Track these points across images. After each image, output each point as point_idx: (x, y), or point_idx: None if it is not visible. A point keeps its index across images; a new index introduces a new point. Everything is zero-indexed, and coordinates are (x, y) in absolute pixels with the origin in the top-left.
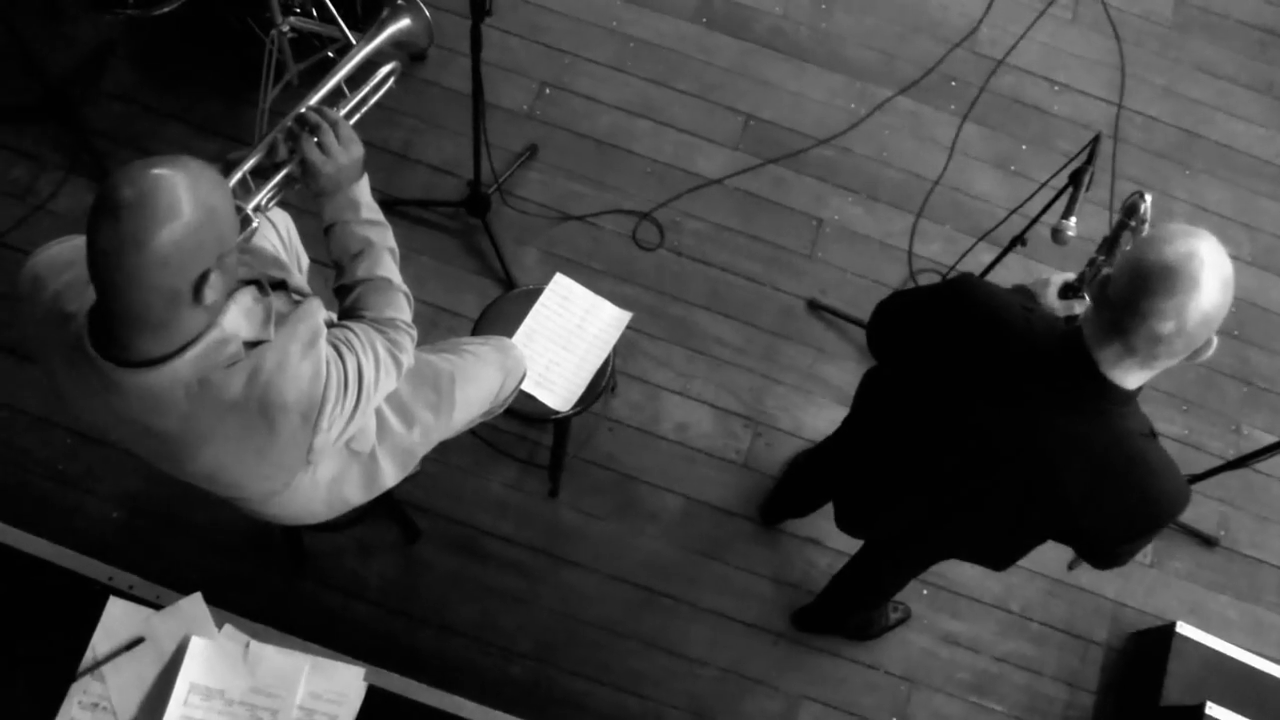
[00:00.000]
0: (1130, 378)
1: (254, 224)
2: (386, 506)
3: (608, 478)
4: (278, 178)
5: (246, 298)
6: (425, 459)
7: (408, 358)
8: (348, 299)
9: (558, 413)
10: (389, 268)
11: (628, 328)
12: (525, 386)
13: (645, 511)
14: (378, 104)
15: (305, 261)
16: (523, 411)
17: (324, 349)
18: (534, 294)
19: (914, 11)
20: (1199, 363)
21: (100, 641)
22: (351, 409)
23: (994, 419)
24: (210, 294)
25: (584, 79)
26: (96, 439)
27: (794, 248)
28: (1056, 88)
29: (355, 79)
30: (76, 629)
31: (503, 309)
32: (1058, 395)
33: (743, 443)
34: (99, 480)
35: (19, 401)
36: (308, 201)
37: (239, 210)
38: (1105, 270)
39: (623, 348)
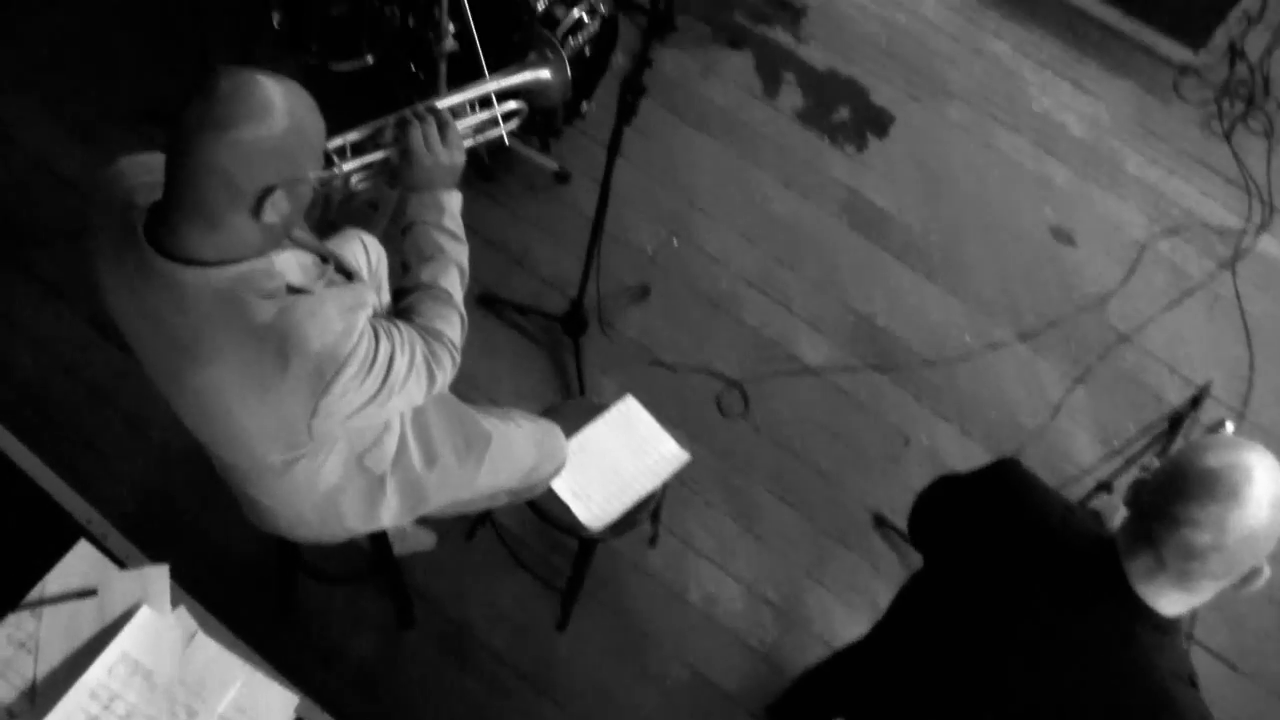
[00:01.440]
0: (1165, 600)
1: (335, 169)
2: (391, 580)
3: (619, 625)
4: (375, 155)
5: (306, 256)
6: (443, 545)
7: (444, 376)
8: (403, 301)
9: (586, 530)
10: (453, 283)
11: (684, 485)
12: (562, 494)
13: (649, 672)
14: (507, 206)
15: (386, 297)
16: (550, 514)
17: (362, 320)
18: (599, 409)
19: (1049, 263)
20: (1247, 593)
21: (53, 580)
22: (370, 393)
23: (1017, 638)
24: (270, 212)
25: (714, 239)
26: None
27: (875, 458)
28: (1178, 379)
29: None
30: (34, 559)
31: (564, 413)
32: (1082, 609)
33: (770, 634)
34: (128, 465)
35: (84, 368)
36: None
37: (326, 153)
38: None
39: (673, 502)
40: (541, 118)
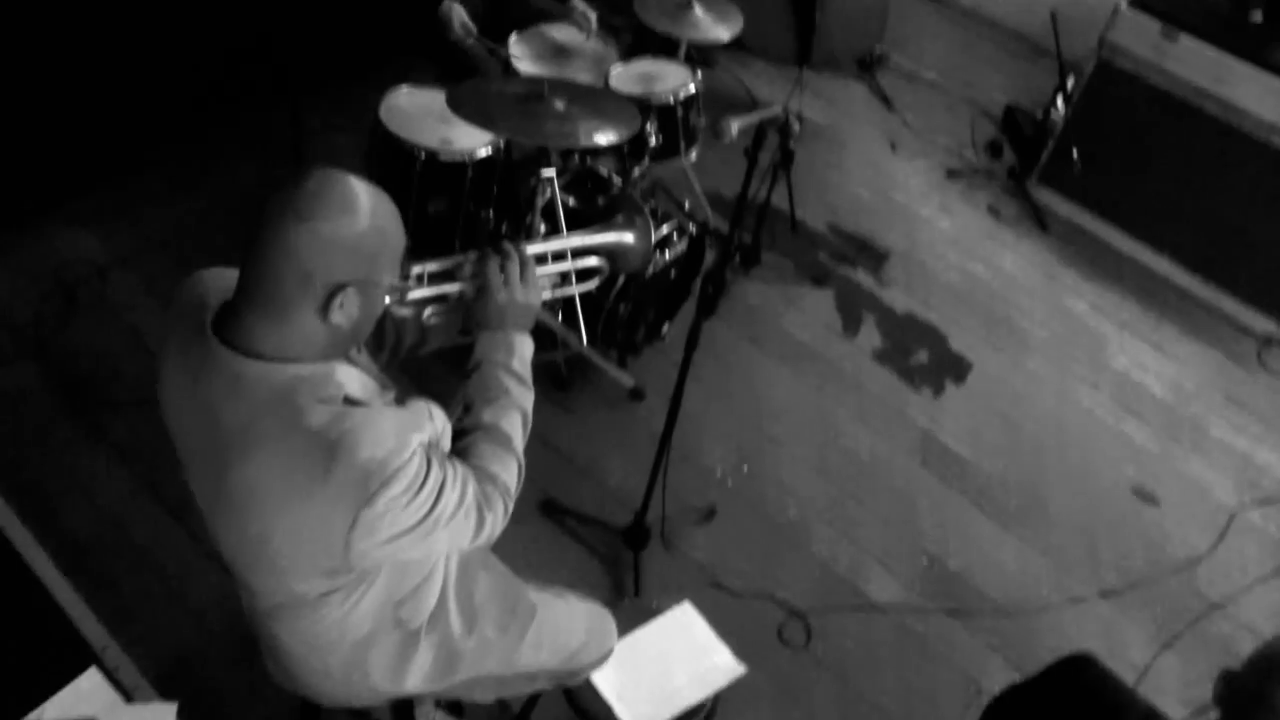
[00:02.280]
0: None
1: (409, 282)
2: None
3: None
4: (452, 285)
5: (370, 377)
6: None
7: (494, 521)
8: (461, 442)
9: None
10: (515, 427)
11: (736, 709)
12: (604, 691)
13: None
14: (578, 416)
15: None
16: (589, 710)
17: (416, 442)
18: (654, 613)
19: (1131, 522)
20: None
21: (55, 705)
22: (414, 519)
23: None
24: (339, 313)
25: (785, 468)
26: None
27: (943, 705)
28: None
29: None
30: (42, 679)
31: (617, 614)
32: None
33: None
34: (158, 623)
35: (133, 526)
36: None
37: (404, 268)
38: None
39: None
40: (622, 334)
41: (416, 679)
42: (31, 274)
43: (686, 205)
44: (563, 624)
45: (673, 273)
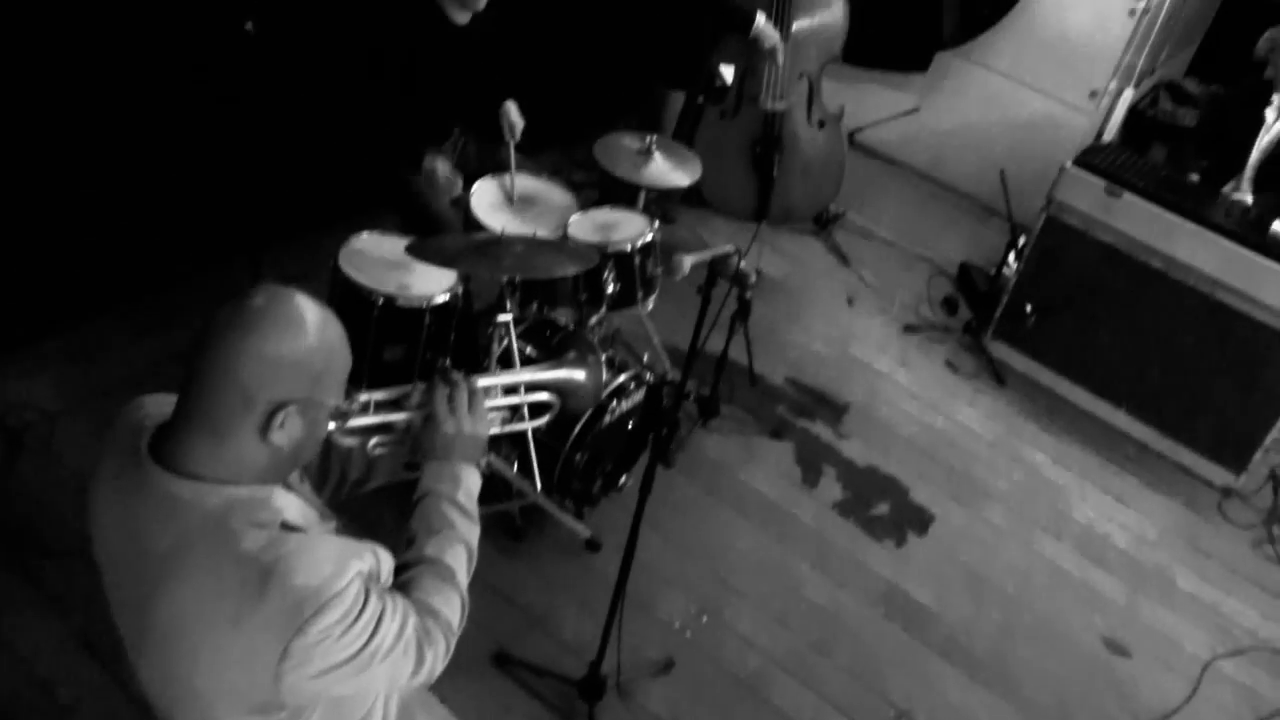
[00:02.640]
0: None
1: (353, 404)
2: None
3: None
4: (398, 415)
5: (310, 506)
6: None
7: (434, 659)
8: (403, 575)
9: None
10: (459, 561)
11: None
12: None
13: None
14: (533, 567)
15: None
16: None
17: (355, 570)
18: None
19: (1102, 674)
20: None
21: None
22: (350, 652)
23: None
24: (279, 433)
25: (745, 619)
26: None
27: None
28: None
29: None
30: None
31: None
32: None
33: None
34: None
35: (59, 685)
36: None
37: (351, 394)
38: None
39: None
40: (579, 485)
41: None
42: None
43: (645, 357)
44: None
45: (630, 423)
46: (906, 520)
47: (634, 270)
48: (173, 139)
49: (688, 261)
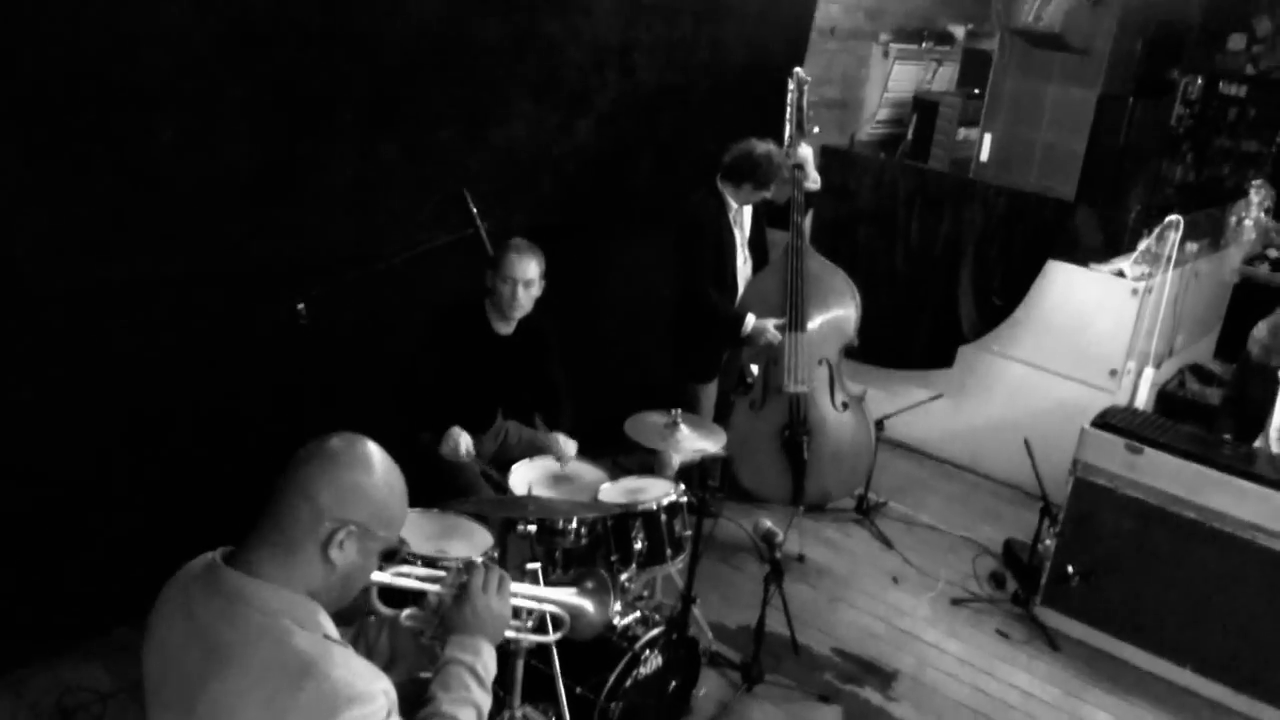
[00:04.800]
0: None
1: (404, 549)
2: None
3: None
4: (430, 585)
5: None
6: None
7: None
8: None
9: None
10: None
11: None
12: None
13: None
14: None
15: None
16: None
17: (383, 686)
18: None
19: None
20: None
21: None
22: None
23: None
24: (338, 552)
25: None
26: None
27: None
28: None
29: None
30: None
31: None
32: None
33: None
34: None
35: None
36: None
37: (400, 546)
38: None
39: None
40: None
41: None
42: (34, 699)
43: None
44: None
45: (671, 683)
46: None
47: (661, 529)
48: (227, 430)
49: (676, 458)
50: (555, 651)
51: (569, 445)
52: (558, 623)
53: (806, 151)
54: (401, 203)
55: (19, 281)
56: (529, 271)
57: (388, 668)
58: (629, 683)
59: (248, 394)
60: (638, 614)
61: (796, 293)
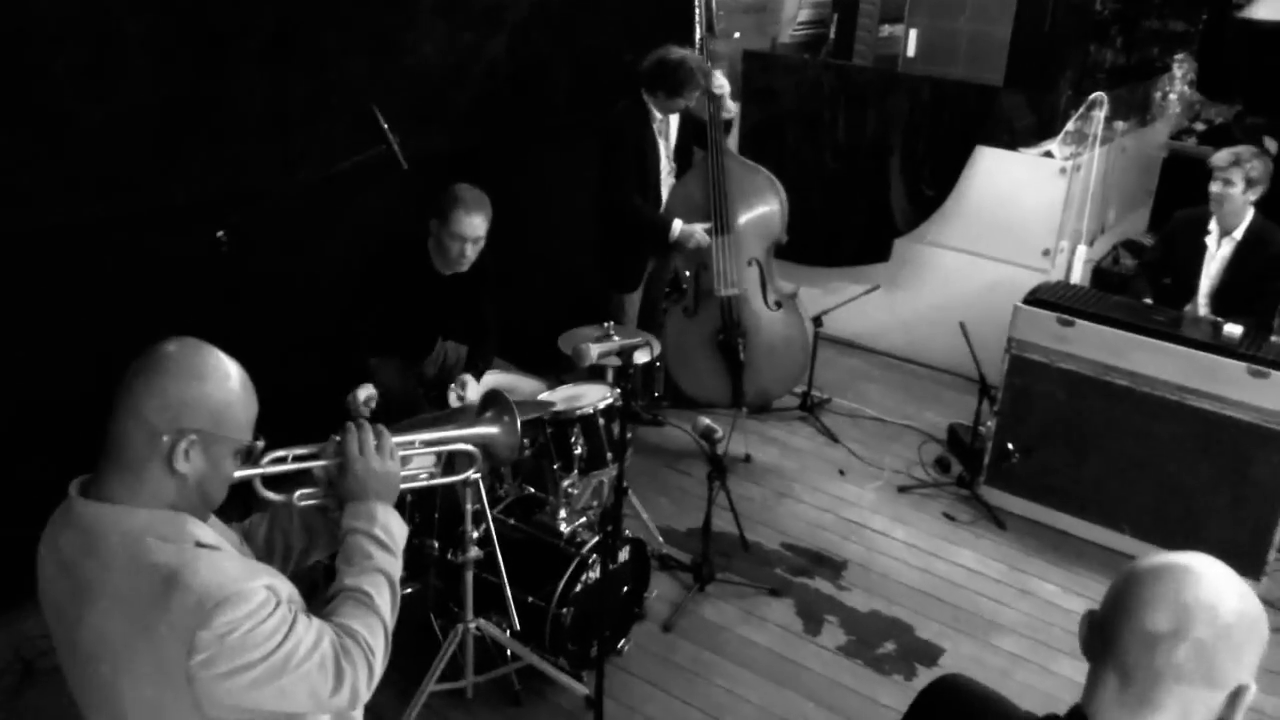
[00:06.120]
0: None
1: (257, 446)
2: None
3: None
4: (313, 464)
5: (227, 541)
6: None
7: (354, 677)
8: (325, 607)
9: None
10: (379, 589)
11: None
12: None
13: None
14: None
15: None
16: None
17: (261, 581)
18: None
19: None
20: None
21: None
22: (259, 654)
23: None
24: (183, 462)
25: None
26: None
27: None
28: None
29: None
30: None
31: None
32: None
33: None
34: None
35: None
36: None
37: (255, 439)
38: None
39: None
40: (574, 646)
41: None
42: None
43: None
44: None
45: (624, 588)
46: (914, 655)
47: (600, 433)
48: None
49: (594, 350)
50: (485, 502)
51: (472, 388)
52: (469, 460)
53: (723, 81)
54: (314, 129)
55: None
56: (478, 229)
57: (308, 548)
58: (579, 588)
59: (174, 331)
60: (584, 520)
61: (720, 194)
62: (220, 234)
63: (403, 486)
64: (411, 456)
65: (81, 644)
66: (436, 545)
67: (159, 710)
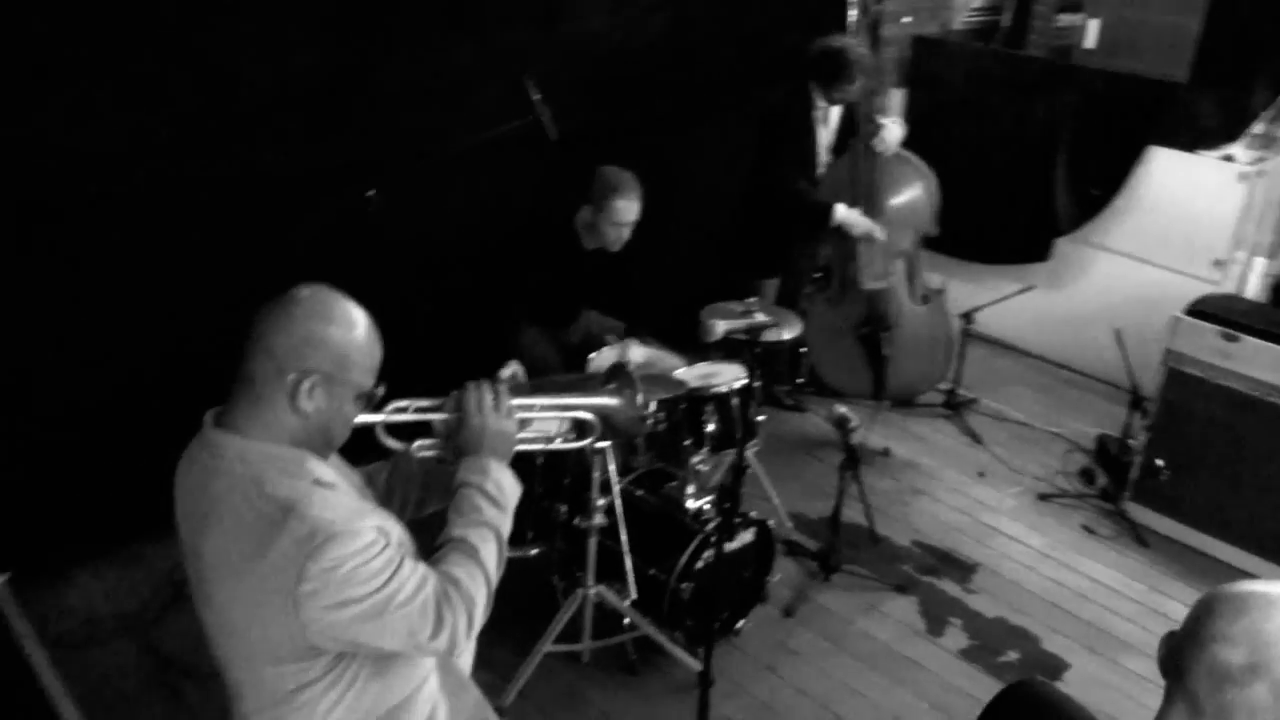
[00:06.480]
0: None
1: (378, 398)
2: None
3: None
4: (433, 416)
5: (350, 484)
6: None
7: (453, 622)
8: (432, 557)
9: None
10: (485, 542)
11: None
12: None
13: None
14: (648, 702)
15: None
16: None
17: (372, 522)
18: None
19: None
20: None
21: None
22: (363, 591)
23: None
24: (306, 400)
25: None
26: None
27: None
28: None
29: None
30: None
31: None
32: None
33: None
34: None
35: None
36: None
37: (376, 386)
38: None
39: None
40: (691, 621)
41: None
42: (148, 572)
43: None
44: None
45: (747, 571)
46: (1037, 666)
47: (732, 412)
48: None
49: (720, 324)
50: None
51: (635, 352)
52: (587, 429)
53: (895, 129)
54: (472, 99)
55: (103, 179)
56: (634, 214)
57: (425, 499)
58: (700, 565)
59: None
60: (712, 498)
61: (869, 184)
62: (370, 193)
63: (520, 448)
64: (532, 419)
65: (204, 562)
66: (564, 510)
67: (267, 630)
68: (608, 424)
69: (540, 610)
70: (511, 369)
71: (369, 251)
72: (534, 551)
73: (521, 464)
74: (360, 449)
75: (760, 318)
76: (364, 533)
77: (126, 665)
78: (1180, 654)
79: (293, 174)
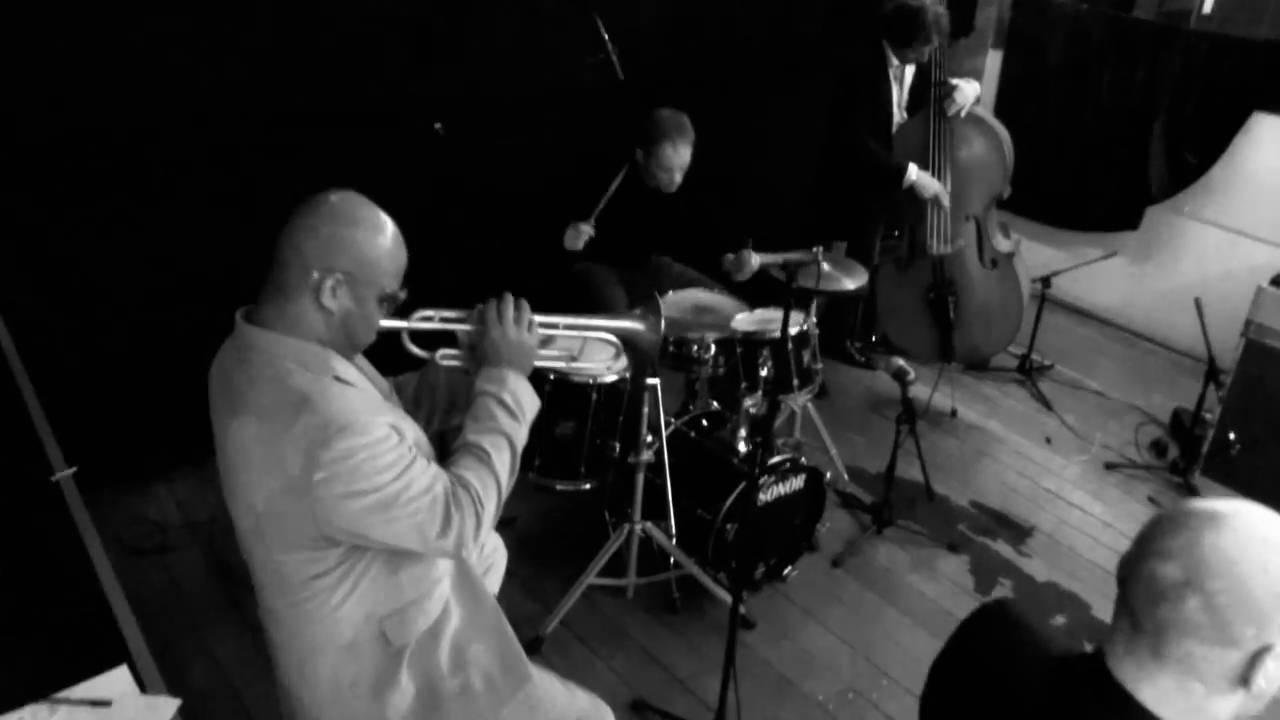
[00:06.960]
0: (1152, 688)
1: (400, 301)
2: None
3: None
4: (456, 325)
5: (375, 387)
6: None
7: (462, 525)
8: (446, 459)
9: None
10: (498, 447)
11: None
12: None
13: None
14: (687, 638)
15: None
16: None
17: (386, 419)
18: None
19: None
20: (1260, 697)
21: (85, 688)
22: (374, 484)
23: None
24: (330, 299)
25: (894, 704)
26: None
27: None
28: None
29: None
30: (80, 665)
31: None
32: None
33: None
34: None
35: (245, 691)
36: None
37: (401, 289)
38: None
39: None
40: (736, 563)
41: (398, 711)
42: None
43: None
44: (559, 700)
45: (797, 517)
46: (1085, 633)
47: (788, 357)
48: None
49: (755, 258)
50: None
51: (754, 258)
52: (614, 350)
53: (969, 90)
54: (554, 44)
55: (188, 109)
56: (685, 158)
57: (450, 409)
58: (746, 507)
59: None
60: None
61: (941, 146)
62: (438, 126)
63: (540, 364)
64: (555, 337)
65: (229, 448)
66: (617, 446)
67: (283, 515)
68: (630, 346)
69: (592, 546)
70: (588, 228)
71: (431, 180)
72: (587, 486)
73: (576, 400)
74: (392, 359)
75: (797, 256)
76: (376, 427)
77: (191, 574)
78: (1124, 569)
79: (370, 111)
